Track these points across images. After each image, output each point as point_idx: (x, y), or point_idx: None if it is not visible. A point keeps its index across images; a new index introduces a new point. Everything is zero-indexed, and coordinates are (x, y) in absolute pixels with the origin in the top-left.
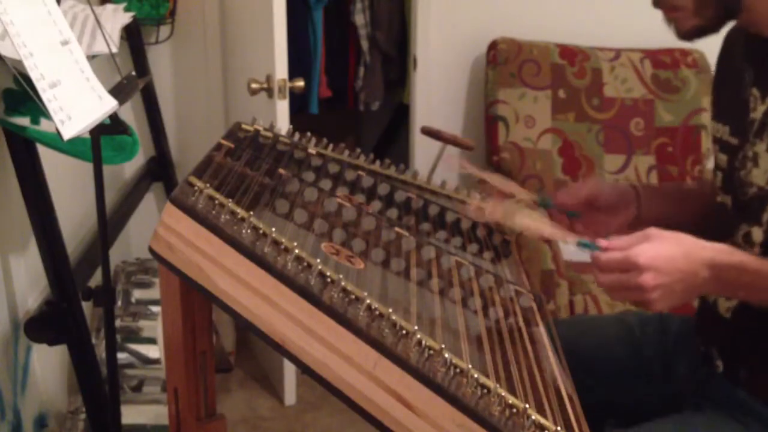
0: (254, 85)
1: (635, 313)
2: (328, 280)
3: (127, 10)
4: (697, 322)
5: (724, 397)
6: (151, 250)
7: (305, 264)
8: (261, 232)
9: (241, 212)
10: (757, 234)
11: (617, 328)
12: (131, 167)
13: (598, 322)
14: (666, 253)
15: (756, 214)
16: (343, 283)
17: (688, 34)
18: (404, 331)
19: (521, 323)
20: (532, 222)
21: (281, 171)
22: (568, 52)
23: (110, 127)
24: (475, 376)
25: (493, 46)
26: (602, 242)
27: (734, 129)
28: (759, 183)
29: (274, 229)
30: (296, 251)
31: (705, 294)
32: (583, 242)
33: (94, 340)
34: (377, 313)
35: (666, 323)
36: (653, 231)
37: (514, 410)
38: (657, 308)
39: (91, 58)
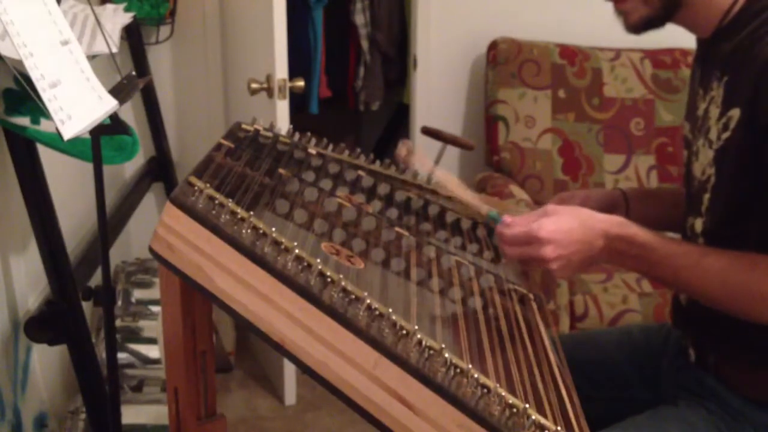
0: (254, 85)
1: (640, 326)
2: (328, 280)
3: (127, 10)
4: (670, 313)
5: (696, 385)
6: (151, 250)
7: (305, 264)
8: (261, 232)
9: (241, 212)
10: (699, 224)
11: (619, 336)
12: (131, 167)
13: (600, 333)
14: (565, 227)
15: (698, 205)
16: (343, 283)
17: (637, 26)
18: (404, 331)
19: (521, 323)
20: (453, 183)
21: (281, 171)
22: (568, 52)
23: (110, 127)
24: (475, 376)
25: (493, 46)
26: (507, 218)
27: (691, 126)
28: (698, 176)
29: (274, 229)
30: (296, 251)
31: (601, 263)
32: (493, 215)
33: (94, 340)
34: (377, 313)
35: (668, 329)
36: (551, 207)
37: (514, 410)
38: (559, 276)
39: (91, 58)
